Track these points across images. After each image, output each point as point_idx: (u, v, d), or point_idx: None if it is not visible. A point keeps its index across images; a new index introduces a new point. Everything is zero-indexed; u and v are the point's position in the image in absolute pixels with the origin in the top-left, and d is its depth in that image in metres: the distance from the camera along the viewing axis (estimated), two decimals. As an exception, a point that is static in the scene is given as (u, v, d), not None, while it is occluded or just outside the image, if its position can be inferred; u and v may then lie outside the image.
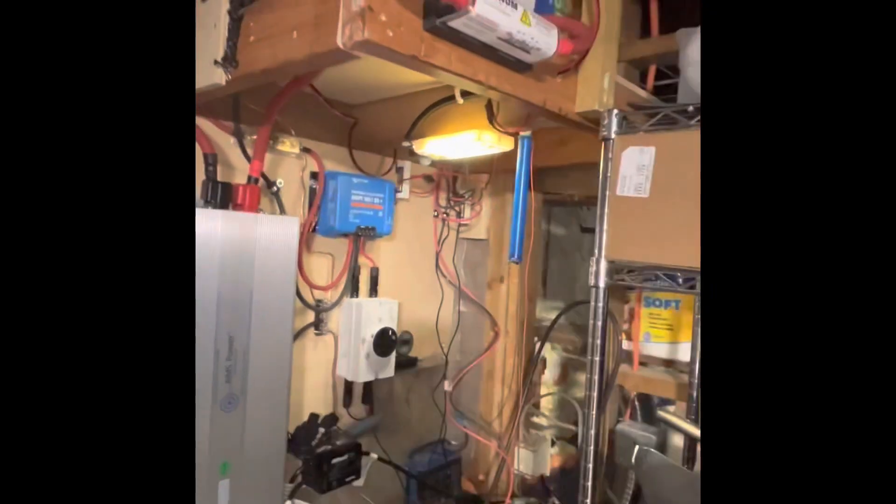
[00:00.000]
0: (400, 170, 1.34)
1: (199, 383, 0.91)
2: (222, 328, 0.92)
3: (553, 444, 1.70)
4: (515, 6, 0.63)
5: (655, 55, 1.26)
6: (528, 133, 0.99)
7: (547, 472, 1.64)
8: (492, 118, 0.94)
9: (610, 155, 0.81)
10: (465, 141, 1.02)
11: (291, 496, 1.15)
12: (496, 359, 1.58)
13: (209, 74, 0.75)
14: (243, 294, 0.94)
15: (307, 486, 1.16)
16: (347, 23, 0.57)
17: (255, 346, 0.96)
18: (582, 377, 2.06)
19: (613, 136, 0.80)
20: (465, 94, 0.98)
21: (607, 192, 0.81)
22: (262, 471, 0.99)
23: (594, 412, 0.84)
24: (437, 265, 1.49)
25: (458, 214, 1.49)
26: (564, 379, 2.08)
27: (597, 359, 0.83)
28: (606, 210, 0.81)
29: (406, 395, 1.47)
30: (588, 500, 0.86)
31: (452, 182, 1.46)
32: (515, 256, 1.01)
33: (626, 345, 1.44)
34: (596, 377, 0.83)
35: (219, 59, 0.73)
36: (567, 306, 1.50)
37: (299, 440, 1.14)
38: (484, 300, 1.57)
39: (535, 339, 1.65)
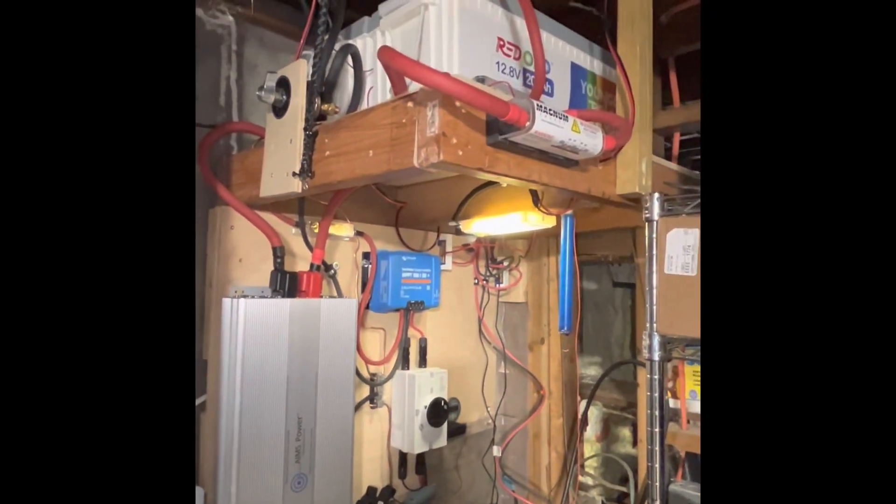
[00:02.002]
0: (442, 243, 1.41)
1: (272, 464, 0.95)
2: (292, 410, 0.97)
3: (603, 505, 1.68)
4: (567, 118, 0.70)
5: (679, 124, 1.35)
6: (570, 212, 1.05)
7: (599, 536, 1.62)
8: (537, 202, 1.01)
9: (654, 235, 0.87)
10: (510, 221, 1.09)
11: (354, 573, 1.16)
12: (542, 420, 1.59)
13: (287, 184, 0.83)
14: (309, 375, 1.00)
15: (368, 561, 1.18)
16: (423, 146, 0.65)
17: (321, 425, 1.01)
18: (624, 432, 2.05)
19: (657, 217, 0.86)
20: (508, 177, 1.06)
21: (654, 269, 0.86)
22: (330, 549, 1.02)
23: (658, 483, 0.86)
24: (479, 331, 1.53)
25: (497, 281, 1.55)
26: (606, 434, 2.06)
27: (657, 430, 0.85)
28: (655, 286, 0.86)
29: (455, 463, 1.49)
30: None
31: (490, 250, 1.53)
32: (566, 328, 1.05)
33: (672, 403, 1.45)
34: (657, 448, 0.85)
35: (296, 171, 0.81)
36: (610, 367, 1.52)
37: (361, 515, 1.16)
38: (526, 362, 1.60)
39: (578, 398, 1.66)
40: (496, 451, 1.51)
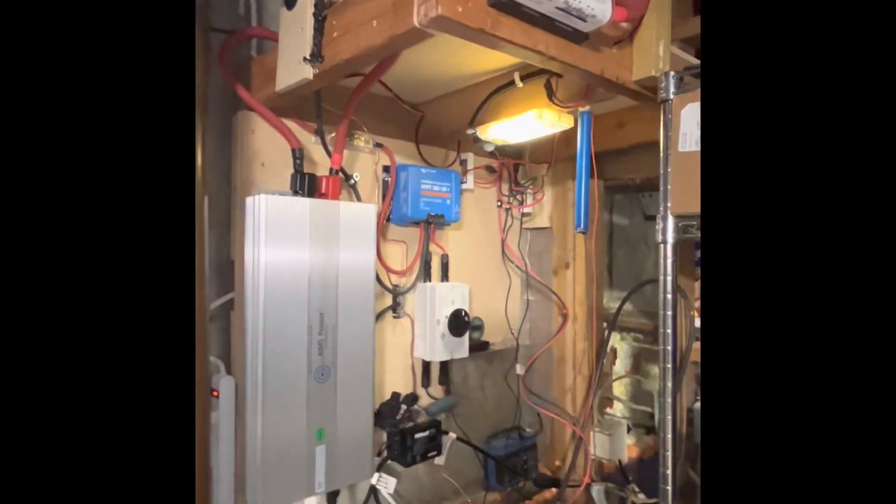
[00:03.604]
0: (463, 162, 1.41)
1: (296, 355, 1.00)
2: (314, 304, 1.01)
3: (629, 430, 1.69)
4: (571, -24, 0.68)
5: (709, 31, 1.28)
6: (587, 108, 1.04)
7: (624, 459, 1.63)
8: (551, 95, 1.00)
9: (669, 115, 0.85)
10: (526, 121, 1.08)
11: (378, 469, 1.22)
12: (566, 343, 1.60)
13: (298, 71, 0.85)
14: (330, 272, 1.03)
15: (392, 460, 1.23)
16: (422, 3, 0.65)
17: (343, 322, 1.05)
18: (655, 368, 2.03)
19: (672, 96, 0.84)
20: (524, 78, 1.05)
21: (670, 151, 0.85)
22: (353, 439, 1.07)
23: (670, 370, 0.86)
24: (503, 252, 1.54)
25: (521, 203, 1.54)
26: (637, 370, 2.06)
27: (669, 312, 0.85)
28: (670, 168, 0.84)
29: (480, 381, 1.52)
30: (669, 487, 0.87)
31: (514, 172, 1.52)
32: (582, 226, 1.05)
33: (698, 322, 1.43)
34: (669, 330, 0.85)
35: (307, 56, 0.83)
36: (637, 285, 1.50)
37: (384, 414, 1.21)
38: (551, 287, 1.61)
39: (604, 325, 1.66)
40: (519, 369, 1.53)
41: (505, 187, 1.53)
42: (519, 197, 1.54)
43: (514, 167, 1.52)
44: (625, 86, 0.90)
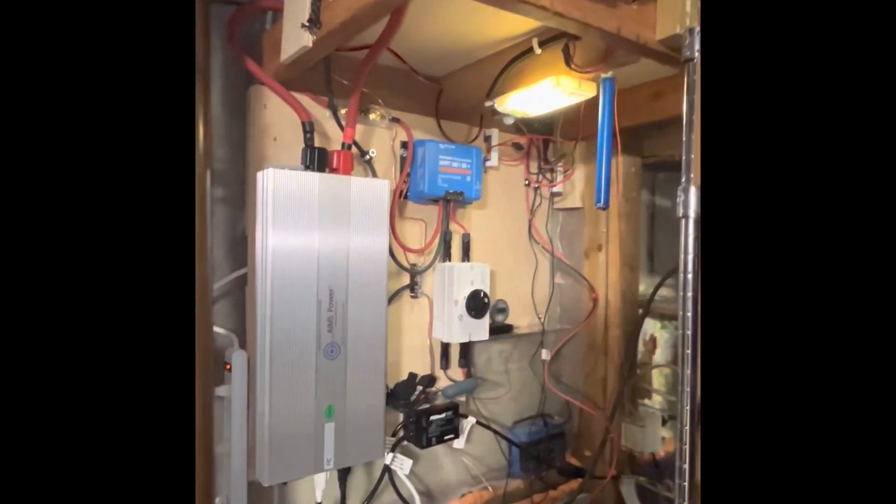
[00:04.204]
0: (488, 138, 1.36)
1: (305, 331, 0.99)
2: (323, 281, 1.00)
3: (665, 422, 1.60)
4: (573, -81, 0.62)
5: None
6: (609, 75, 0.96)
7: (659, 452, 1.55)
8: (568, 60, 0.93)
9: (694, 77, 0.77)
10: (544, 90, 1.01)
11: (393, 450, 1.20)
12: (597, 330, 1.53)
13: (298, 39, 0.83)
14: (341, 249, 1.01)
15: (408, 441, 1.21)
16: (407, -45, 0.60)
17: (354, 299, 1.03)
18: (699, 359, 1.92)
19: (696, 54, 0.76)
20: (542, 44, 0.98)
21: (693, 117, 0.77)
22: (364, 417, 1.05)
23: (689, 357, 0.79)
24: (529, 233, 1.48)
25: (550, 182, 1.47)
26: (678, 360, 1.95)
27: (689, 294, 0.78)
28: (693, 135, 0.77)
29: (505, 366, 1.48)
30: (686, 483, 0.81)
31: (543, 149, 1.45)
32: (602, 202, 0.98)
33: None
34: (689, 314, 0.78)
35: (305, 22, 0.80)
36: (671, 270, 1.41)
37: (399, 394, 1.19)
38: (582, 270, 1.53)
39: (640, 311, 1.57)
40: (544, 354, 1.47)
41: (533, 165, 1.46)
42: (548, 175, 1.47)
43: (543, 143, 1.45)
44: (647, 46, 0.82)
